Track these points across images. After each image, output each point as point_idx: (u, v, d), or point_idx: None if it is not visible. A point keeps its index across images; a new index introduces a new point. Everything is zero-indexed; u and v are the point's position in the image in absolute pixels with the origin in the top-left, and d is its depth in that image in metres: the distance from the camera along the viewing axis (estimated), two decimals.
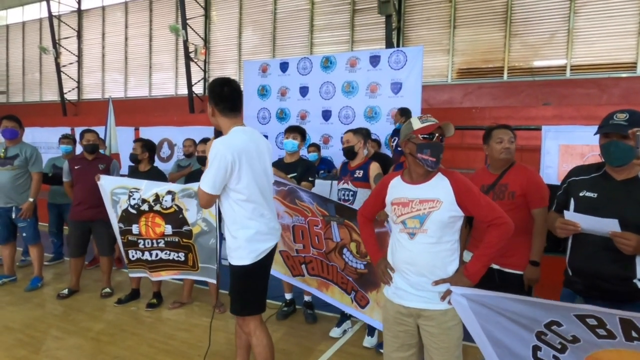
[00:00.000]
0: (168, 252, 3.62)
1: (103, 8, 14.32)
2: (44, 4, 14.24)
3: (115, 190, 3.68)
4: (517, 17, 8.52)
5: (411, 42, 9.40)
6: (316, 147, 5.39)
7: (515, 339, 1.67)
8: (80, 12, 14.77)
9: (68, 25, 14.74)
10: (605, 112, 1.97)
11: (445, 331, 1.83)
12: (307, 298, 3.72)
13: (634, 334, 1.40)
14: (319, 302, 3.62)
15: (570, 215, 1.85)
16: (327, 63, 6.32)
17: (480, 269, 1.82)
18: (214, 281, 3.55)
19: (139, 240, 3.64)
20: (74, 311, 3.85)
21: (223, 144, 2.14)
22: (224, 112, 2.26)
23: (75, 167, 4.17)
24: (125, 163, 6.91)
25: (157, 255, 3.64)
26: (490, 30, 8.78)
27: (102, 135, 5.62)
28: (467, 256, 2.46)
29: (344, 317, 3.46)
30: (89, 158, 4.20)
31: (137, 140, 4.18)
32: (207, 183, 2.13)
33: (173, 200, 3.50)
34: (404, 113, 5.11)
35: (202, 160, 3.86)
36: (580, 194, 1.93)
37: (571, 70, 8.18)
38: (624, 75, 7.80)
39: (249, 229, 2.22)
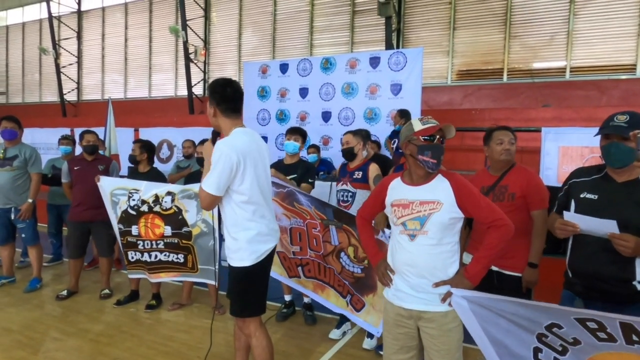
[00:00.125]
0: (167, 254, 3.62)
1: (103, 9, 14.33)
2: (44, 4, 14.26)
3: (115, 191, 3.67)
4: (517, 19, 8.54)
5: (411, 44, 9.41)
6: (316, 149, 5.39)
7: (516, 340, 1.67)
8: (80, 13, 14.78)
9: (68, 26, 14.75)
10: (605, 114, 1.98)
11: (446, 333, 1.82)
12: (306, 300, 3.71)
13: (634, 337, 1.40)
14: (318, 304, 3.62)
15: (569, 216, 1.86)
16: (327, 64, 6.33)
17: (480, 270, 1.82)
18: (214, 282, 3.55)
19: (139, 242, 3.63)
20: (73, 312, 3.84)
21: (227, 145, 2.12)
22: (226, 112, 2.24)
23: (75, 168, 4.17)
24: (125, 164, 6.92)
25: (156, 256, 3.64)
26: (490, 32, 8.80)
27: (101, 136, 5.61)
28: (467, 258, 2.46)
29: (344, 318, 3.45)
30: (88, 159, 4.19)
31: (136, 141, 4.18)
32: (211, 184, 2.10)
33: (173, 201, 3.49)
34: (404, 115, 5.12)
35: (203, 162, 3.85)
36: (581, 196, 1.93)
37: (571, 72, 8.19)
38: (623, 77, 7.81)
39: (249, 231, 2.21)
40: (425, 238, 1.83)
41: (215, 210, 3.10)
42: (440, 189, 1.84)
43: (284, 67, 6.67)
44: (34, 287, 4.34)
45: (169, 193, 3.51)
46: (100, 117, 7.45)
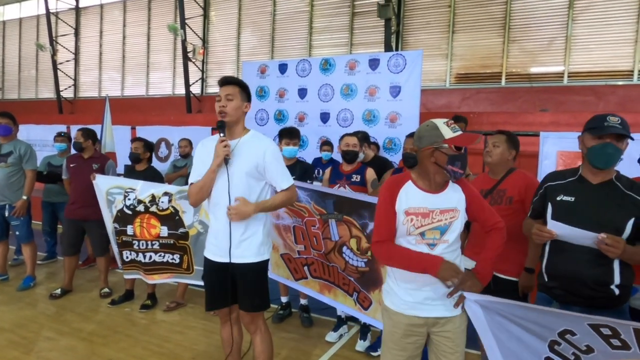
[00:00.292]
0: (162, 254, 3.58)
1: (101, 6, 14.25)
2: (42, 0, 14.16)
3: (111, 190, 3.64)
4: (516, 23, 8.56)
5: (410, 46, 9.41)
6: (330, 146, 5.15)
7: (527, 350, 1.64)
8: (77, 10, 14.69)
9: (65, 23, 14.66)
10: None
11: (460, 335, 1.85)
12: (303, 301, 3.70)
13: None
14: (315, 306, 3.60)
15: (552, 224, 1.84)
16: (326, 65, 6.31)
17: (489, 271, 1.84)
18: None
19: (134, 241, 3.60)
20: (66, 311, 3.80)
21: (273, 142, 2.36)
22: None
23: (71, 165, 4.15)
24: (121, 162, 6.88)
25: (150, 257, 3.60)
26: (489, 35, 8.81)
27: (98, 134, 5.57)
28: (465, 262, 2.44)
29: (341, 321, 3.44)
30: (84, 157, 4.16)
31: (138, 139, 4.12)
32: (290, 178, 2.31)
33: (170, 201, 3.47)
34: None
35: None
36: (558, 198, 1.94)
37: (569, 77, 8.21)
38: (620, 83, 7.84)
39: (266, 225, 2.37)
40: (445, 246, 1.80)
41: None
42: (456, 196, 1.83)
43: (282, 68, 6.65)
44: (28, 286, 4.30)
45: (165, 193, 3.48)
46: (97, 114, 7.41)
